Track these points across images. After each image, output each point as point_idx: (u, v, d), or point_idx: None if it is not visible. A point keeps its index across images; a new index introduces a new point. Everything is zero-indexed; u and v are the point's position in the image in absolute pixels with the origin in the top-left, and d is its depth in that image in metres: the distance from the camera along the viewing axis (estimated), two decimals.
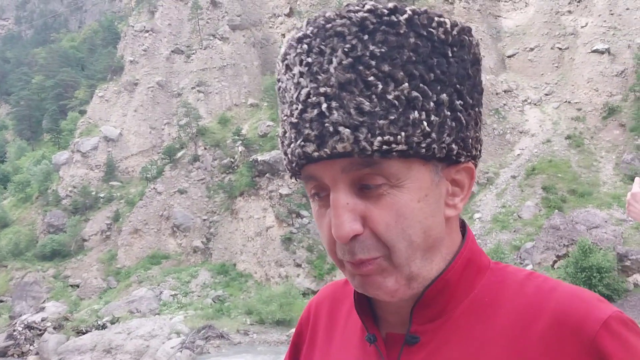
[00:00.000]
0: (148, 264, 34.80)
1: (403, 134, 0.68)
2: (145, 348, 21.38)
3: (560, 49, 36.64)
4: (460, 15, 37.84)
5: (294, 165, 0.73)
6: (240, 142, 37.37)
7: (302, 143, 0.70)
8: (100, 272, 35.95)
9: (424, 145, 0.69)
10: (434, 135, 0.69)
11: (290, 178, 0.80)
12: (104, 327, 26.06)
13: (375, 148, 0.67)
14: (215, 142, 40.01)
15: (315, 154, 0.69)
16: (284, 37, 44.85)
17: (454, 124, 0.71)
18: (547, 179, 28.91)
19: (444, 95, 0.71)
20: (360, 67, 0.68)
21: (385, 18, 0.69)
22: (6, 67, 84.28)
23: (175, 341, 21.74)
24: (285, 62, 0.74)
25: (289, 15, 49.83)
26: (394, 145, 0.67)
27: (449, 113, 0.71)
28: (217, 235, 35.77)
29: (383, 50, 0.68)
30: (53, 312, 29.84)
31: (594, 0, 36.40)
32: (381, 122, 0.67)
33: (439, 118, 0.70)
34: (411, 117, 0.68)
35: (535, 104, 34.69)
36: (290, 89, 0.73)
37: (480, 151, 0.78)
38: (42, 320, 28.56)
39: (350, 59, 0.68)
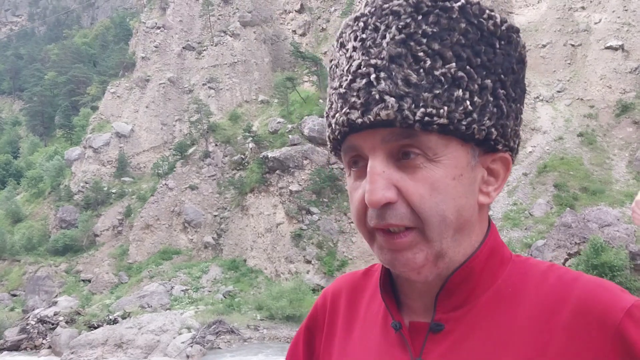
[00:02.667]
0: (159, 259, 35.04)
1: (446, 108, 0.70)
2: (156, 343, 21.53)
3: (573, 45, 36.34)
4: None
5: (337, 134, 0.76)
6: (251, 138, 37.48)
7: (348, 110, 0.73)
8: (111, 267, 36.23)
9: (464, 122, 0.71)
10: (475, 115, 0.72)
11: (330, 152, 0.83)
12: (115, 321, 26.25)
13: (417, 118, 0.70)
14: (226, 138, 40.15)
15: (359, 120, 0.72)
16: (295, 33, 44.94)
17: (495, 109, 0.74)
18: (559, 176, 28.74)
19: (488, 81, 0.73)
20: (412, 43, 0.71)
21: (440, 3, 0.72)
22: (19, 63, 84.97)
23: (186, 336, 21.88)
24: (340, 40, 0.78)
25: (299, 11, 49.80)
26: (435, 118, 0.70)
27: (491, 99, 0.74)
28: (227, 231, 35.93)
29: (435, 30, 0.71)
30: (65, 307, 30.15)
31: None
32: (426, 94, 0.70)
33: (481, 100, 0.73)
34: (455, 94, 0.71)
35: (547, 101, 34.47)
36: (342, 63, 0.76)
37: (519, 146, 0.80)
38: (55, 315, 28.86)
39: (402, 35, 0.72)
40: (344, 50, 0.76)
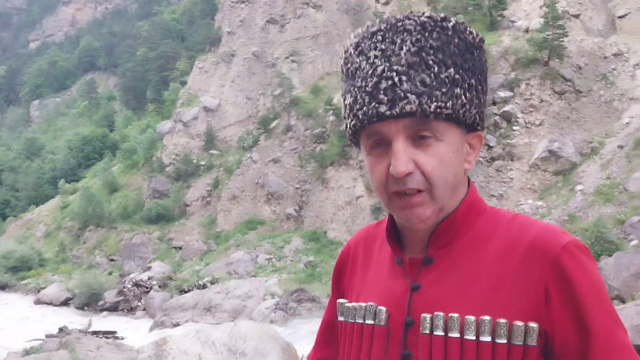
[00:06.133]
0: (245, 229, 35.98)
1: (450, 102, 0.95)
2: (242, 307, 22.29)
3: None
4: None
5: (364, 123, 0.98)
6: (332, 111, 37.48)
7: (377, 105, 0.95)
8: (201, 235, 37.60)
9: (461, 112, 0.97)
10: (467, 106, 0.98)
11: (348, 139, 1.07)
12: (204, 286, 27.11)
13: (432, 110, 0.94)
14: (307, 112, 40.33)
15: (387, 112, 0.94)
16: (378, 2, 44.18)
17: (477, 101, 1.00)
18: None
19: (473, 80, 0.99)
20: (423, 54, 0.95)
21: (439, 23, 0.98)
22: (113, 40, 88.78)
23: (270, 302, 22.51)
24: (359, 48, 1.01)
25: None
26: (444, 110, 0.95)
27: (475, 93, 0.99)
28: (308, 203, 36.37)
29: (438, 43, 0.96)
30: (158, 272, 31.57)
31: None
32: (437, 92, 0.94)
33: (470, 95, 0.98)
34: (455, 92, 0.96)
35: None
36: (365, 68, 0.99)
37: (485, 125, 1.08)
38: (149, 279, 30.28)
39: (416, 48, 0.96)
40: (365, 57, 0.99)
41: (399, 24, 0.98)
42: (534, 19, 29.59)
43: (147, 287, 29.51)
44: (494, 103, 28.00)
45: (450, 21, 0.98)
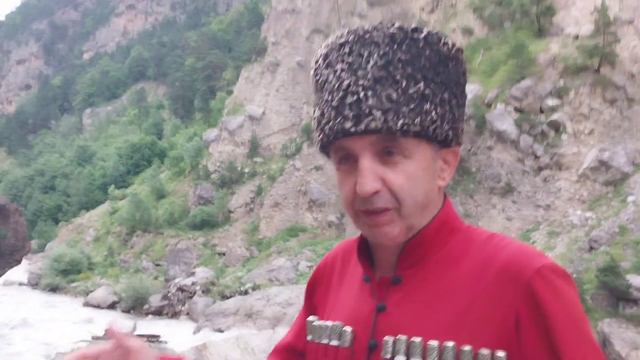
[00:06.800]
0: (287, 235, 36.16)
1: (418, 119, 0.91)
2: (283, 315, 22.38)
3: None
4: None
5: (330, 138, 0.95)
6: None
7: (342, 121, 0.91)
8: (243, 241, 37.99)
9: (431, 129, 0.92)
10: (438, 122, 0.93)
11: (319, 150, 1.03)
12: (246, 293, 27.39)
13: (398, 127, 0.89)
14: None
15: (352, 129, 0.90)
16: (423, 10, 43.99)
17: (450, 116, 0.95)
18: None
19: (446, 94, 0.94)
20: (391, 68, 0.91)
21: (410, 34, 0.93)
22: (163, 50, 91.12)
23: None
24: (327, 60, 0.97)
25: None
26: (411, 127, 0.90)
27: (448, 108, 0.94)
28: None
29: (407, 57, 0.92)
30: (202, 277, 32.06)
31: None
32: (404, 109, 0.90)
33: (442, 110, 0.93)
34: (424, 108, 0.91)
35: None
36: (332, 81, 0.95)
37: (462, 139, 1.02)
38: (192, 284, 30.80)
39: (383, 61, 0.91)
40: (332, 70, 0.95)
41: (367, 35, 0.94)
42: (584, 25, 28.83)
43: (190, 292, 30.03)
44: (542, 112, 27.37)
45: (421, 32, 0.94)
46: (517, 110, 27.71)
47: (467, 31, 34.78)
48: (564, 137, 26.27)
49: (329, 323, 1.06)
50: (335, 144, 0.95)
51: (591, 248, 20.37)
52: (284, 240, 35.49)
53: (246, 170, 43.68)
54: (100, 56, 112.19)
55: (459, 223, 1.02)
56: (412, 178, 0.92)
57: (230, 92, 53.07)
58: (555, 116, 26.63)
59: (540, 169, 26.23)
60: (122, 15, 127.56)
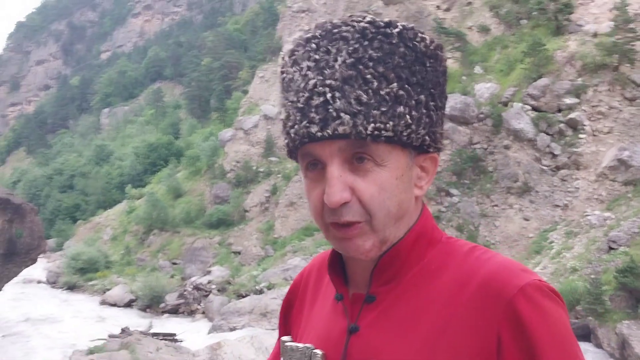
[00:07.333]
0: (302, 235, 36.15)
1: (391, 123, 0.83)
2: None
3: None
4: None
5: (296, 143, 0.87)
6: None
7: (308, 124, 0.84)
8: (259, 241, 38.09)
9: (405, 134, 0.84)
10: (413, 127, 0.85)
11: (287, 155, 0.95)
12: (261, 292, 27.44)
13: (368, 132, 0.82)
14: None
15: (319, 134, 0.83)
16: (439, 8, 43.75)
17: (427, 120, 0.87)
18: None
19: (422, 96, 0.86)
20: (360, 66, 0.83)
21: (382, 29, 0.84)
22: (180, 50, 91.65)
23: None
24: (293, 57, 0.88)
25: None
26: (383, 132, 0.83)
27: (424, 111, 0.87)
28: None
29: (379, 54, 0.83)
30: (217, 276, 32.23)
31: None
32: (375, 112, 0.82)
33: (417, 114, 0.86)
34: (398, 111, 0.83)
35: None
36: (297, 80, 0.86)
37: (442, 144, 0.94)
38: (208, 283, 30.96)
39: (352, 59, 0.83)
40: (298, 68, 0.87)
41: (335, 30, 0.85)
42: (603, 22, 28.44)
43: (206, 291, 30.18)
44: (559, 110, 27.06)
45: (395, 27, 0.85)
46: (534, 109, 27.44)
47: (484, 29, 34.51)
48: (582, 136, 25.96)
49: (300, 345, 0.98)
50: (302, 149, 0.88)
51: (610, 248, 20.10)
52: (299, 240, 35.49)
53: (261, 169, 43.78)
54: (118, 56, 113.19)
55: (438, 234, 0.95)
56: (384, 188, 0.85)
57: (245, 92, 53.22)
58: (573, 115, 26.32)
59: (558, 168, 25.94)
60: (139, 16, 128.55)
